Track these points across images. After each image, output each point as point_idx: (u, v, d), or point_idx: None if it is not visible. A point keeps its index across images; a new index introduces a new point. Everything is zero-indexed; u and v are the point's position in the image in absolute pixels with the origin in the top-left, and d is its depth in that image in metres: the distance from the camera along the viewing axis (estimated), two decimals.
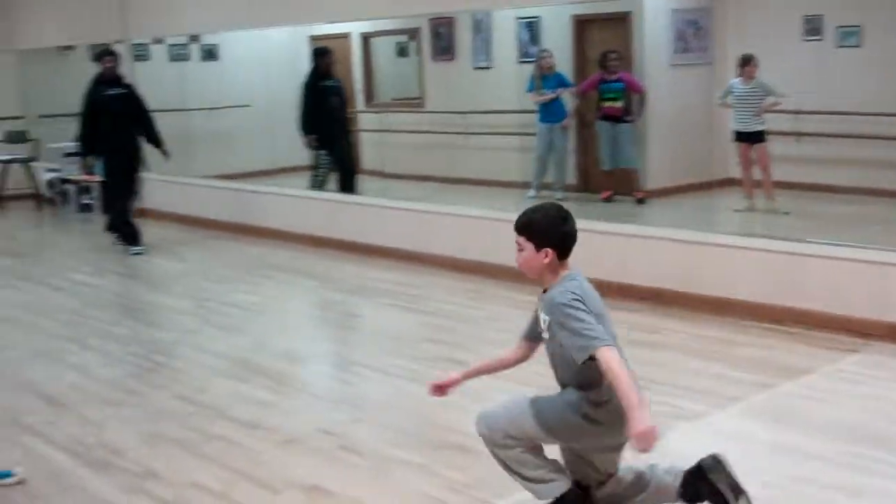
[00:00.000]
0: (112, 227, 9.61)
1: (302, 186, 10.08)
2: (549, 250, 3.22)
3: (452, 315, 6.74)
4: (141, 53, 11.85)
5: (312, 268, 8.55)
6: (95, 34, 12.17)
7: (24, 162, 12.78)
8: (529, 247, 3.24)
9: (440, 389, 3.75)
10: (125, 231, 9.53)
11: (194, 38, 11.84)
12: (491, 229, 7.77)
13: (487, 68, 10.19)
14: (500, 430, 3.41)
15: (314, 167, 10.01)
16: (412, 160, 10.67)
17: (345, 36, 11.77)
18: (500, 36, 9.78)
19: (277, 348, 6.14)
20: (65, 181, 12.30)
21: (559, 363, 3.33)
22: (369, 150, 11.55)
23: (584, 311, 3.11)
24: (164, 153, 9.62)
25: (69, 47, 13.40)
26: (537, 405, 3.34)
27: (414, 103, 11.37)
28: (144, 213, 11.38)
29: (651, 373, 4.87)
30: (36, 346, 6.30)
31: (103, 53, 9.68)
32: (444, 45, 10.73)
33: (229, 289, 7.85)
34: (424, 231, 8.43)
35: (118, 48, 10.24)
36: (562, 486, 3.37)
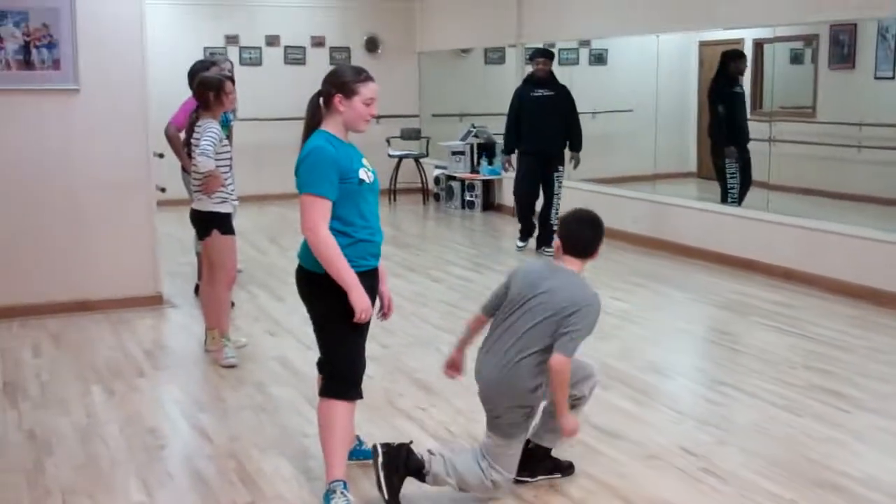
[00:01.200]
0: (521, 220, 9.81)
1: (676, 193, 9.89)
2: (582, 262, 3.97)
3: (832, 342, 6.31)
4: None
5: (686, 279, 8.38)
6: (492, 38, 12.72)
7: (416, 158, 13.61)
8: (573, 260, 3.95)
9: (454, 368, 4.16)
10: (542, 234, 9.66)
11: (584, 43, 12.01)
12: (881, 252, 7.23)
13: (891, 78, 9.44)
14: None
15: (723, 178, 9.43)
16: (799, 172, 10.13)
17: (737, 42, 11.40)
18: None
19: (644, 359, 6.06)
20: (451, 178, 12.97)
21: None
22: (753, 158, 11.11)
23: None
24: (576, 160, 9.67)
25: (466, 50, 14.11)
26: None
27: (805, 112, 10.79)
28: None
29: None
30: (415, 334, 6.66)
31: (536, 54, 9.79)
32: (843, 52, 10.08)
33: (599, 293, 7.83)
34: (808, 249, 7.98)
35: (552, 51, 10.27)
36: None
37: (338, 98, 3.70)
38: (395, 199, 13.42)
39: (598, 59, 12.38)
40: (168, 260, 7.64)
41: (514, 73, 12.07)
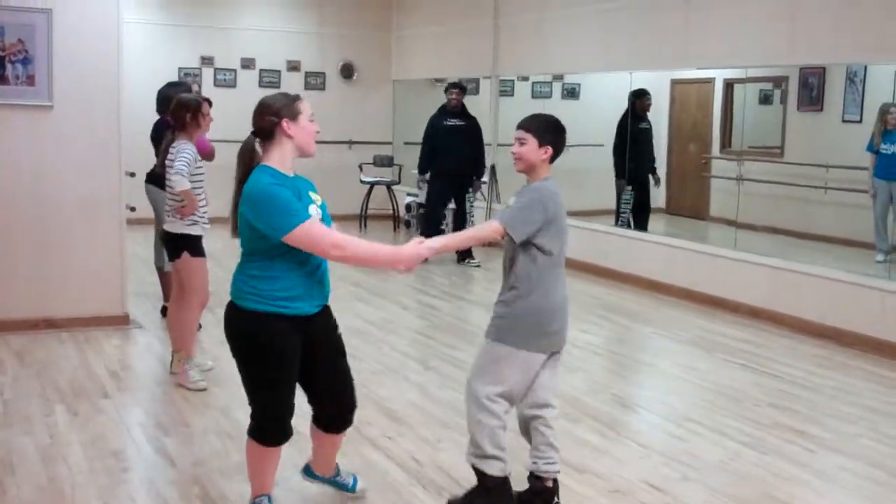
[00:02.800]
0: (427, 236, 10.11)
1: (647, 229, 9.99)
2: (550, 148, 3.94)
3: (797, 381, 6.37)
4: (506, 89, 12.31)
5: (651, 314, 8.43)
6: (467, 69, 12.80)
7: (388, 185, 13.63)
8: (533, 142, 3.92)
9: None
10: (459, 253, 10.30)
11: (557, 78, 12.12)
12: (846, 293, 7.31)
13: (857, 122, 9.60)
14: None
15: (618, 202, 10.46)
16: (764, 211, 10.25)
17: (708, 81, 11.57)
18: (875, 89, 9.18)
19: (610, 392, 6.08)
20: (422, 206, 12.98)
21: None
22: (721, 197, 11.24)
23: (540, 212, 3.86)
24: (476, 186, 10.67)
25: (440, 80, 14.18)
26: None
27: (772, 153, 10.94)
28: (491, 242, 11.75)
29: None
30: (383, 362, 6.65)
31: (451, 86, 10.70)
32: (812, 94, 10.25)
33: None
34: (775, 288, 8.06)
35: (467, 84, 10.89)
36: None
37: (285, 123, 3.62)
38: (365, 226, 13.41)
39: (571, 93, 12.49)
40: (135, 280, 7.58)
41: (488, 104, 12.15)
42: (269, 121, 3.63)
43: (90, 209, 7.24)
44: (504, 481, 3.99)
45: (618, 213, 10.38)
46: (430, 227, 10.62)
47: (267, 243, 3.58)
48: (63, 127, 7.10)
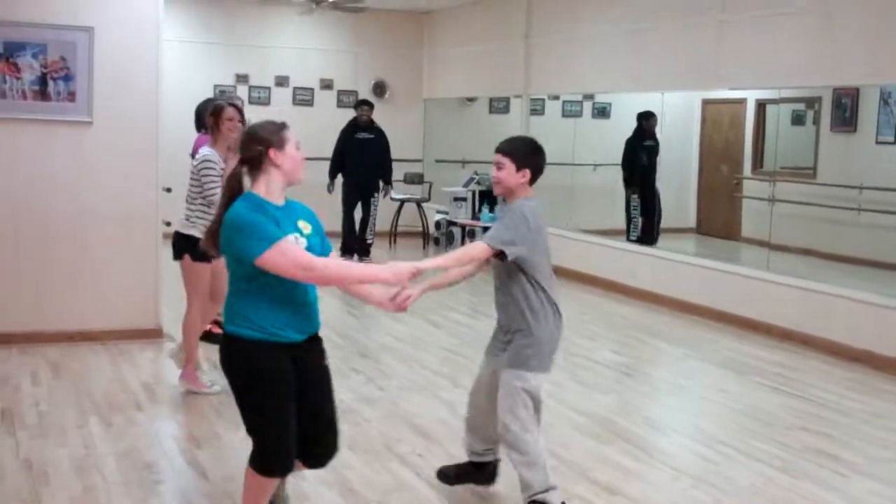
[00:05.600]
0: (347, 251, 11.57)
1: (675, 248, 9.97)
2: (528, 170, 4.06)
3: (829, 405, 6.33)
4: (536, 108, 12.34)
5: (682, 335, 8.41)
6: (498, 88, 12.87)
7: (418, 202, 13.68)
8: (511, 166, 4.05)
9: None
10: (360, 247, 11.69)
11: (588, 97, 12.14)
12: (880, 316, 7.27)
13: (892, 143, 9.56)
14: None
15: (628, 212, 11.18)
16: (797, 232, 10.21)
17: (740, 102, 11.56)
18: None
19: (641, 414, 6.08)
20: (451, 223, 13.03)
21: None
22: (753, 217, 11.21)
23: (524, 227, 3.98)
24: (385, 190, 12.02)
25: (471, 99, 14.25)
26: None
27: (804, 174, 10.90)
28: None
29: None
30: (413, 379, 6.67)
31: (361, 103, 12.03)
32: (845, 115, 10.21)
33: (597, 346, 7.89)
34: (808, 310, 8.01)
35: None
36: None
37: (272, 152, 3.59)
38: (395, 242, 13.46)
39: (602, 112, 12.52)
40: (169, 294, 7.65)
41: (518, 122, 12.18)
42: (257, 150, 3.61)
43: (127, 223, 7.33)
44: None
45: (629, 219, 11.09)
46: (347, 229, 11.84)
47: (245, 269, 3.53)
48: (102, 142, 7.21)
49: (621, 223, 11.21)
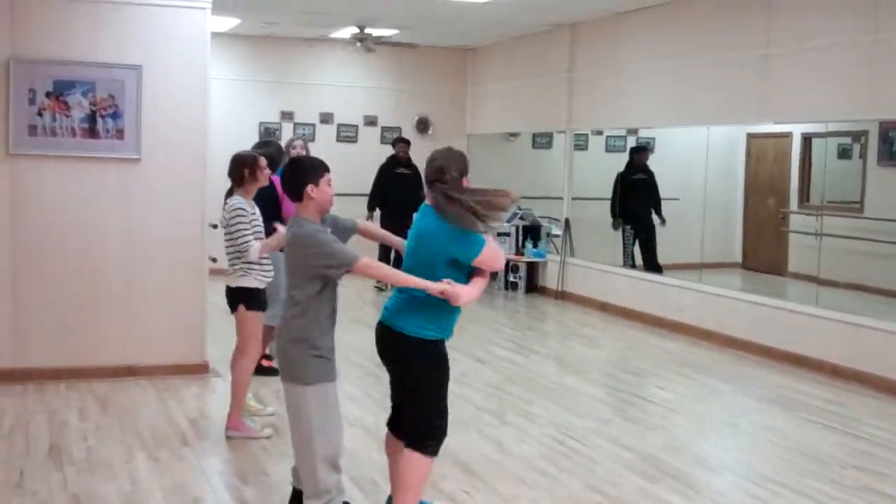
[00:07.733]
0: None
1: (722, 284, 9.87)
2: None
3: (883, 442, 6.20)
4: (580, 143, 12.32)
5: (729, 371, 8.30)
6: (541, 123, 12.88)
7: None
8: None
9: None
10: None
11: (632, 131, 12.12)
12: None
13: None
14: None
15: (624, 240, 11.53)
16: (845, 267, 10.06)
17: (785, 136, 11.45)
18: None
19: (689, 451, 5.99)
20: None
21: None
22: (799, 252, 11.06)
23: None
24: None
25: (514, 134, 14.27)
26: None
27: (851, 207, 10.75)
28: (565, 295, 11.77)
29: None
30: (458, 416, 6.62)
31: (398, 140, 12.71)
32: (892, 149, 10.08)
33: (643, 382, 7.82)
34: (857, 345, 7.88)
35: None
36: None
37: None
38: None
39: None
40: (214, 330, 7.70)
41: (561, 157, 12.17)
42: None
43: (174, 259, 7.41)
44: None
45: (624, 248, 11.46)
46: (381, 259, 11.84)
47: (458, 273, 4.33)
48: (150, 179, 7.31)
49: (666, 258, 11.13)
